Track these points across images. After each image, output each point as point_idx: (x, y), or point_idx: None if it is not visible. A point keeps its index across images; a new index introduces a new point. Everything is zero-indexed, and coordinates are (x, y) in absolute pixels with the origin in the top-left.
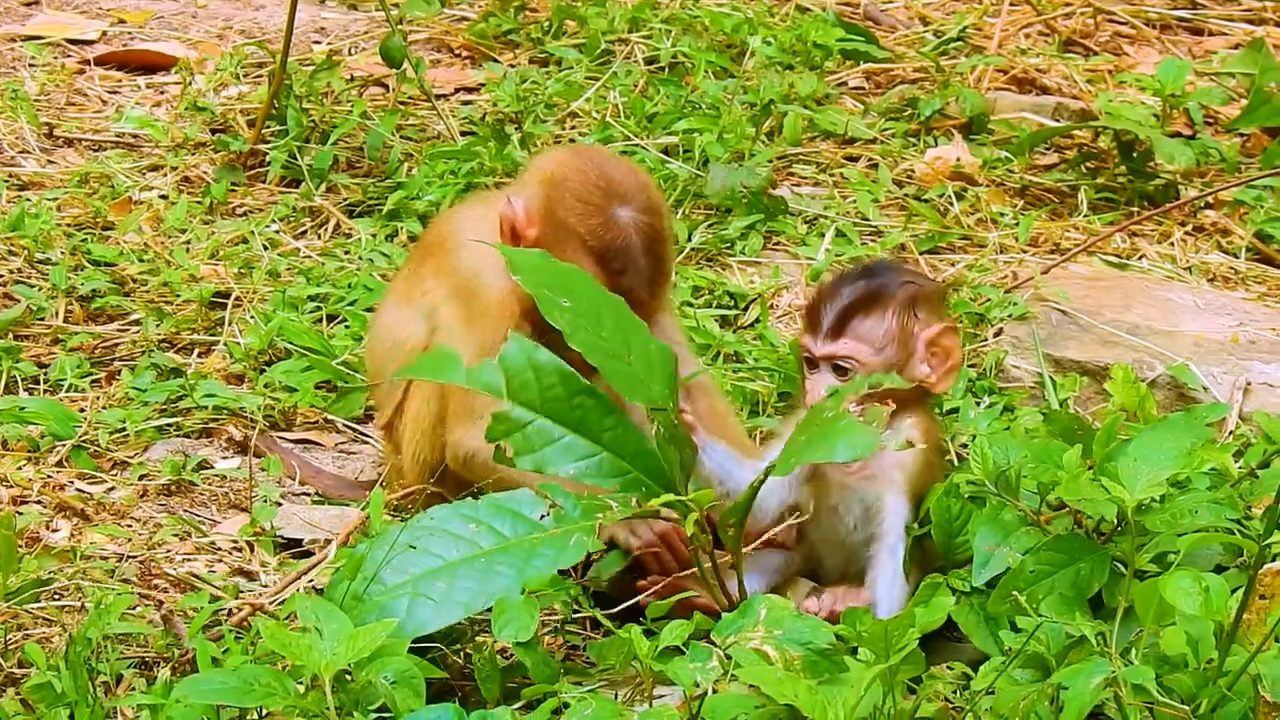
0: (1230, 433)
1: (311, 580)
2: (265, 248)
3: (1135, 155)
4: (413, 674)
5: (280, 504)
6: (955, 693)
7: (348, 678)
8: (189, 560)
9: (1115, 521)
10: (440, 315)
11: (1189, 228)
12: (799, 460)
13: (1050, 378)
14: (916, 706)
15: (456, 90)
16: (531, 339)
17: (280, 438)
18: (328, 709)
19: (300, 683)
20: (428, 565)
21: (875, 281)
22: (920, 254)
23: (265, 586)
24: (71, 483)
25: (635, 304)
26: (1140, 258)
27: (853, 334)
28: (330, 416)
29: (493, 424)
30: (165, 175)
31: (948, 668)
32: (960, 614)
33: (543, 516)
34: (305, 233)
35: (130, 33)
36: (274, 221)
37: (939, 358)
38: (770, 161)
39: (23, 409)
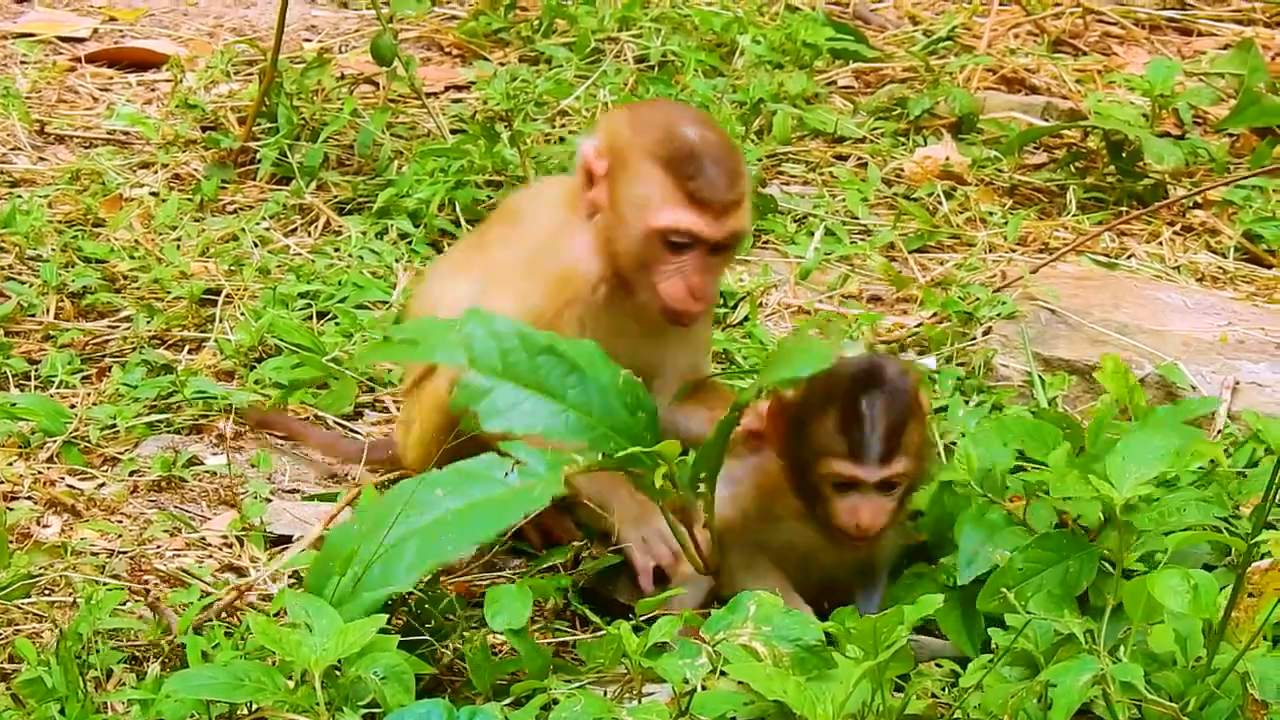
0: (1219, 431)
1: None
2: (256, 245)
3: (1124, 155)
4: (402, 669)
5: (270, 500)
6: (943, 690)
7: (337, 673)
8: (179, 556)
9: (1101, 519)
10: (495, 276)
11: (1177, 227)
12: (763, 383)
13: (1039, 376)
14: (905, 704)
15: (447, 88)
16: (595, 310)
17: (270, 434)
18: (317, 704)
19: (290, 678)
20: (398, 533)
21: (893, 389)
22: (909, 253)
23: (261, 579)
24: (62, 478)
25: (713, 216)
26: (1129, 257)
27: (903, 452)
28: (320, 413)
29: (457, 393)
30: (156, 172)
31: (936, 665)
32: (942, 615)
33: (507, 475)
34: (296, 230)
35: (121, 30)
36: (264, 219)
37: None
38: (759, 160)
39: (13, 405)
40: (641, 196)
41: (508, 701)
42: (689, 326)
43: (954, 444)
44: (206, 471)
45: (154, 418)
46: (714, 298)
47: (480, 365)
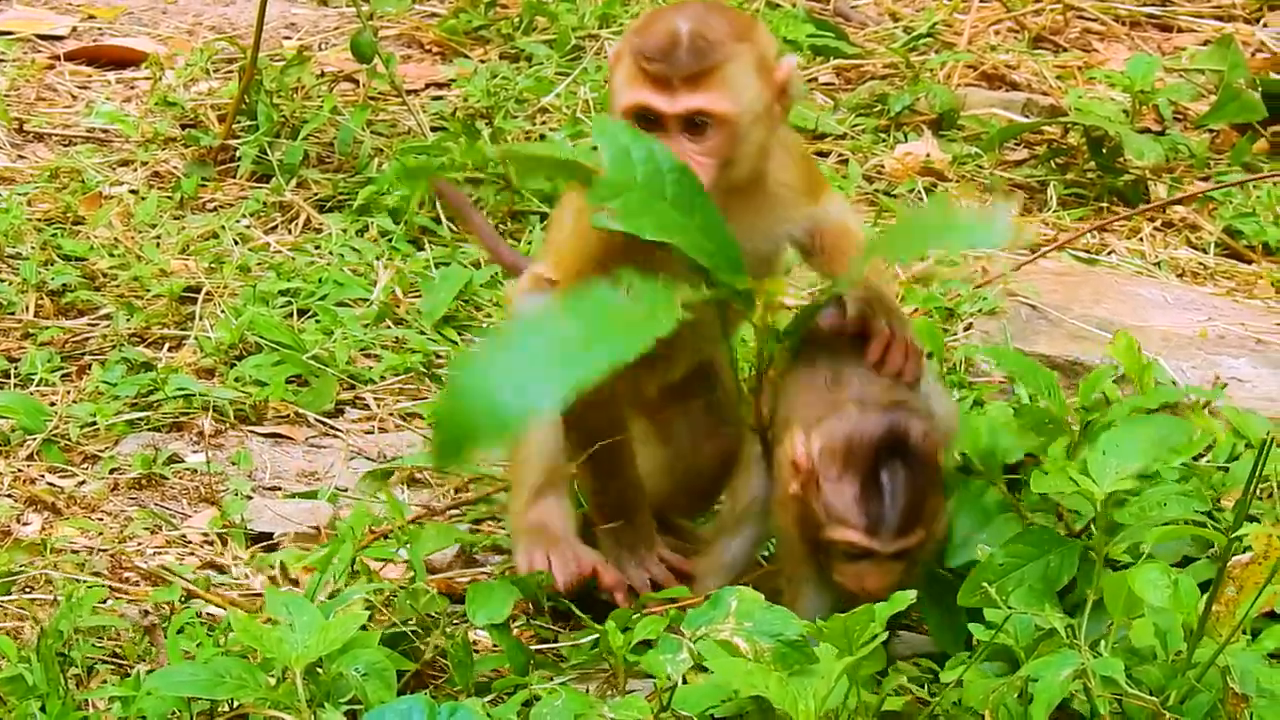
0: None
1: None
2: (236, 243)
3: (1104, 151)
4: (384, 666)
5: (250, 497)
6: (922, 686)
7: (318, 670)
8: (160, 554)
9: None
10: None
11: (1158, 223)
12: (906, 252)
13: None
14: (881, 701)
15: (427, 86)
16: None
17: (250, 431)
18: (299, 701)
19: (271, 675)
20: (525, 358)
21: (916, 459)
22: None
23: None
24: (42, 476)
25: (668, 91)
26: (1109, 253)
27: (921, 524)
28: (301, 411)
29: (594, 188)
30: (135, 170)
31: (914, 663)
32: (925, 609)
33: (623, 298)
34: (276, 228)
35: (100, 28)
36: (244, 216)
37: None
38: None
39: None
40: (618, 84)
41: (489, 698)
42: None
43: None
44: (187, 469)
45: (134, 415)
46: (709, 177)
47: (617, 168)
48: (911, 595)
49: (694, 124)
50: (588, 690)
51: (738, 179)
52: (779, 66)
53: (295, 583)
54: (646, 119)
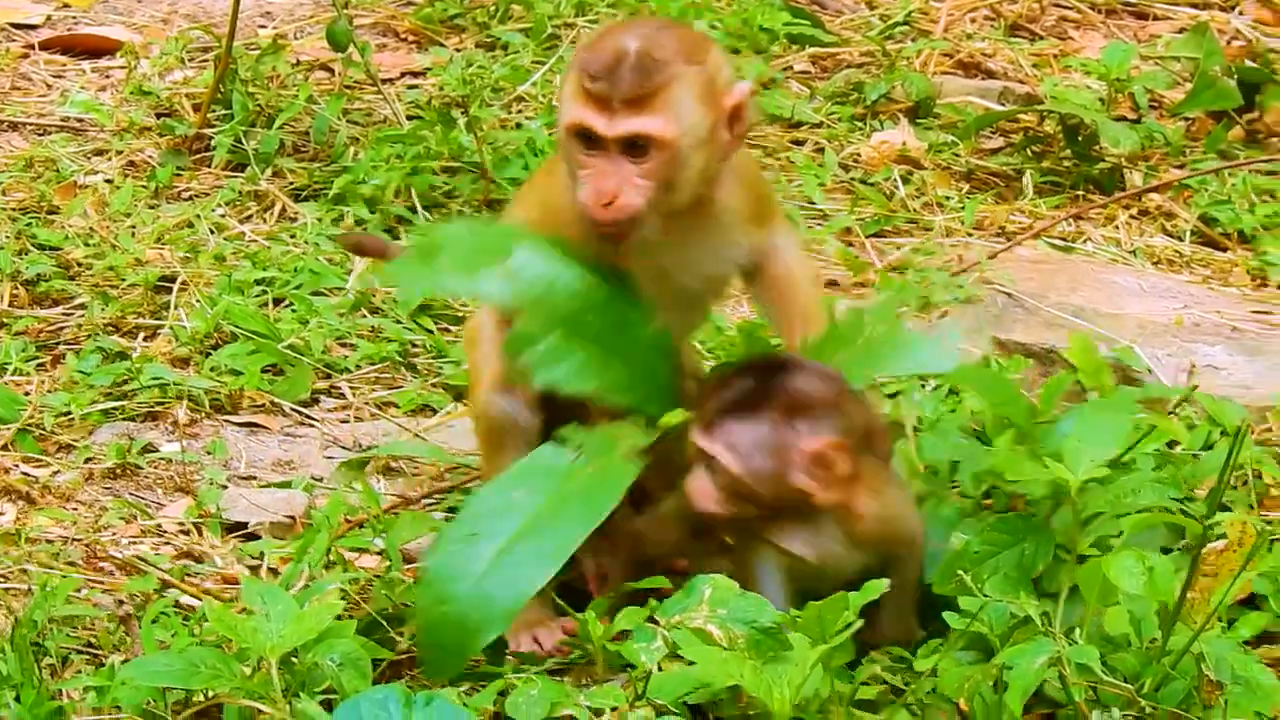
0: (1173, 413)
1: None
2: (211, 232)
3: (1080, 139)
4: (359, 655)
5: (226, 487)
6: (895, 674)
7: (294, 660)
8: (135, 543)
9: (1054, 501)
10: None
11: (1134, 211)
12: (852, 375)
13: (996, 360)
14: (855, 689)
15: (402, 74)
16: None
17: (226, 420)
18: (274, 691)
19: (246, 665)
20: (497, 545)
21: (759, 383)
22: (866, 237)
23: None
24: (16, 466)
25: (608, 112)
26: (1085, 241)
27: (724, 436)
28: (276, 400)
29: (508, 339)
30: (110, 159)
31: (886, 652)
32: None
33: (574, 459)
34: (251, 217)
35: (75, 17)
36: (220, 205)
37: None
38: None
39: None
40: (563, 100)
41: (465, 687)
42: (617, 244)
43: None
44: (162, 459)
45: (109, 405)
46: (636, 210)
47: (529, 304)
48: (884, 584)
49: (634, 146)
50: (565, 680)
51: (679, 203)
52: (730, 92)
53: (275, 572)
54: (587, 139)
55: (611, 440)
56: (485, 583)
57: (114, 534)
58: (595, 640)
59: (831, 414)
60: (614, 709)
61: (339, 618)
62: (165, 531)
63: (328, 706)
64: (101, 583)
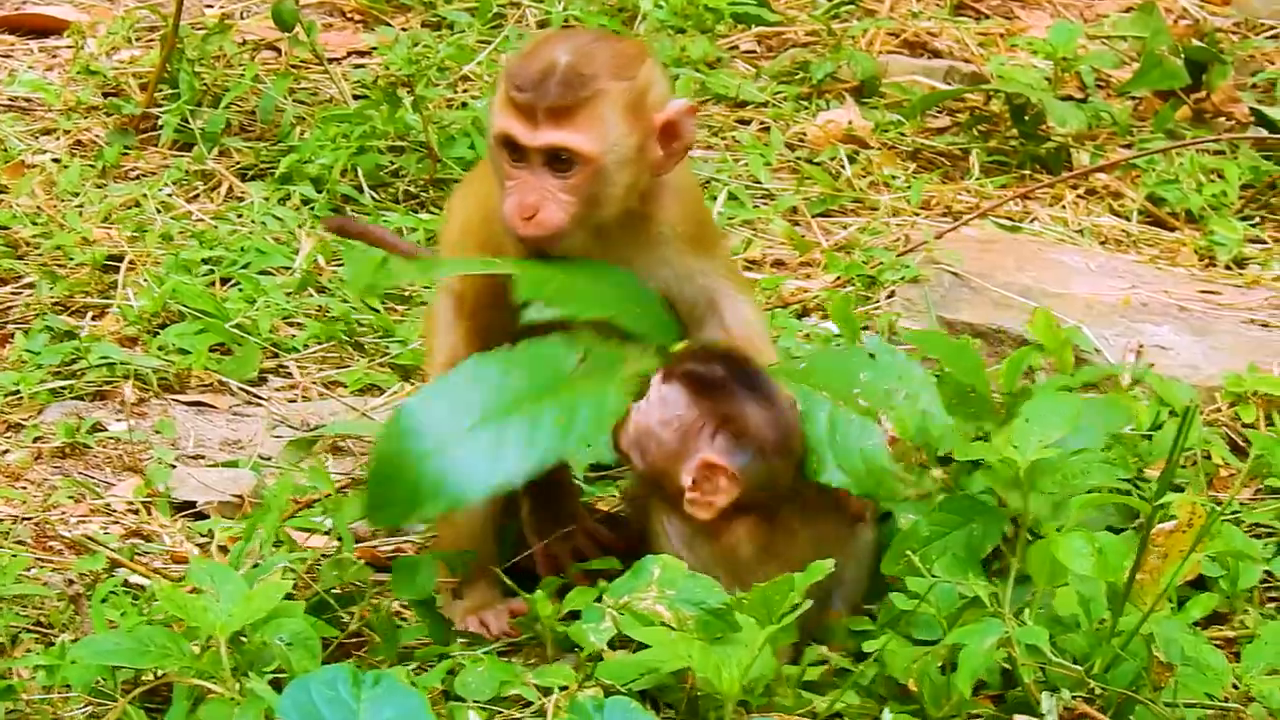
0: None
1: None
2: (158, 211)
3: (1027, 118)
4: (308, 635)
5: (174, 466)
6: (845, 655)
7: (243, 640)
8: (84, 522)
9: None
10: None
11: (1081, 190)
12: None
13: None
14: (802, 671)
15: (348, 54)
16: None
17: (174, 399)
18: (223, 670)
19: (196, 644)
20: (480, 413)
21: (730, 377)
22: (812, 217)
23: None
24: None
25: (532, 123)
26: (1032, 220)
27: (667, 390)
28: (224, 379)
29: (521, 280)
30: (58, 139)
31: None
32: None
33: (581, 362)
34: (198, 196)
35: None
36: (167, 185)
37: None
38: None
39: None
40: (493, 109)
41: (413, 666)
42: (546, 251)
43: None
44: (110, 438)
45: (57, 384)
46: (554, 225)
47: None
48: (829, 564)
49: (558, 159)
50: (513, 660)
51: (606, 218)
52: (663, 108)
53: (224, 549)
54: (513, 148)
55: (619, 358)
56: (458, 448)
57: (63, 513)
58: (544, 620)
59: (752, 451)
60: (563, 689)
61: (289, 597)
62: (114, 510)
63: (277, 686)
64: (51, 562)
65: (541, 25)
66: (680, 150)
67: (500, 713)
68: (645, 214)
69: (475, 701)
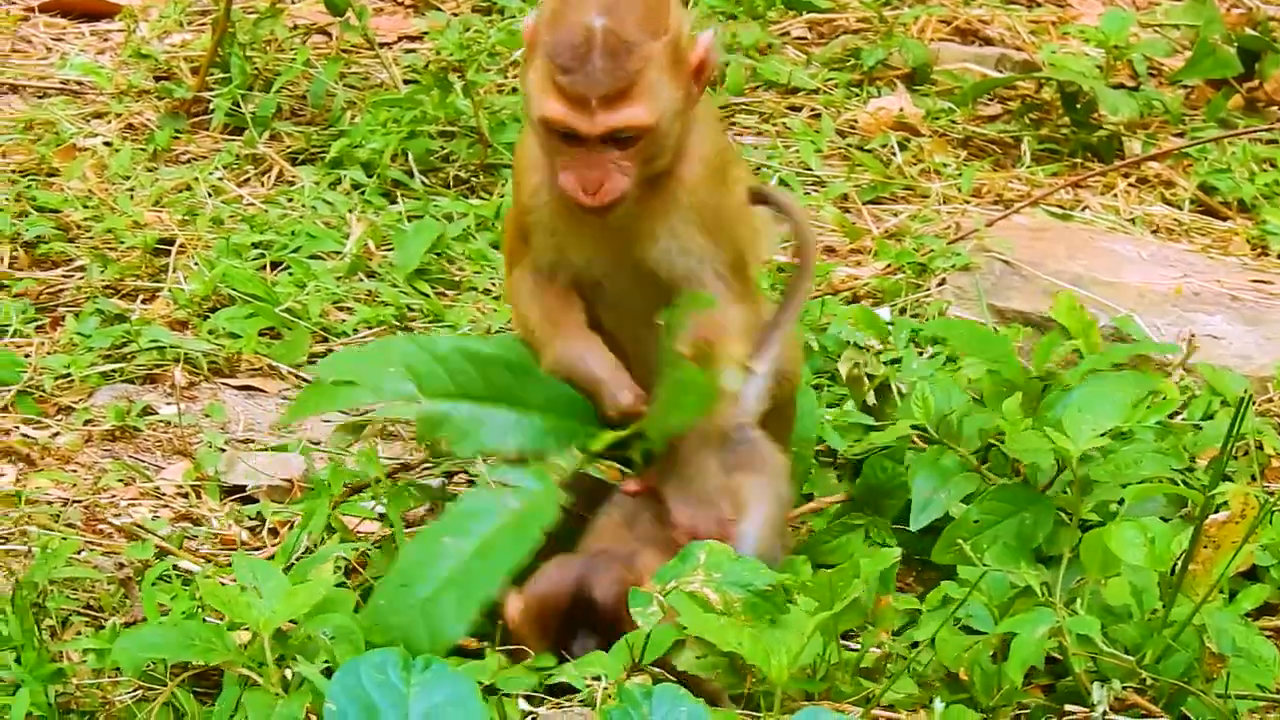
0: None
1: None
2: (209, 195)
3: (1078, 106)
4: (352, 630)
5: (224, 450)
6: (896, 642)
7: (290, 630)
8: (134, 506)
9: (1056, 470)
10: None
11: (1133, 179)
12: (657, 432)
13: (994, 328)
14: (860, 657)
15: (399, 38)
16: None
17: (224, 383)
18: (267, 664)
19: (245, 630)
20: (423, 595)
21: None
22: (863, 204)
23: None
24: (16, 428)
25: (587, 111)
26: (1084, 209)
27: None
28: (274, 363)
29: (418, 426)
30: (109, 122)
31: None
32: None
33: (501, 502)
34: (249, 180)
35: None
36: (217, 169)
37: None
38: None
39: None
40: (533, 84)
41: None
42: (604, 218)
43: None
44: (160, 421)
45: (108, 367)
46: (618, 193)
47: (430, 390)
48: (896, 553)
49: (616, 136)
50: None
51: (660, 168)
52: (695, 48)
53: (275, 532)
54: (568, 135)
55: (542, 477)
56: (410, 632)
57: (113, 496)
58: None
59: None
60: (609, 677)
61: (340, 585)
62: (164, 494)
63: (327, 674)
64: (101, 545)
65: None
66: (708, 77)
67: (548, 699)
68: (682, 149)
69: (523, 690)
